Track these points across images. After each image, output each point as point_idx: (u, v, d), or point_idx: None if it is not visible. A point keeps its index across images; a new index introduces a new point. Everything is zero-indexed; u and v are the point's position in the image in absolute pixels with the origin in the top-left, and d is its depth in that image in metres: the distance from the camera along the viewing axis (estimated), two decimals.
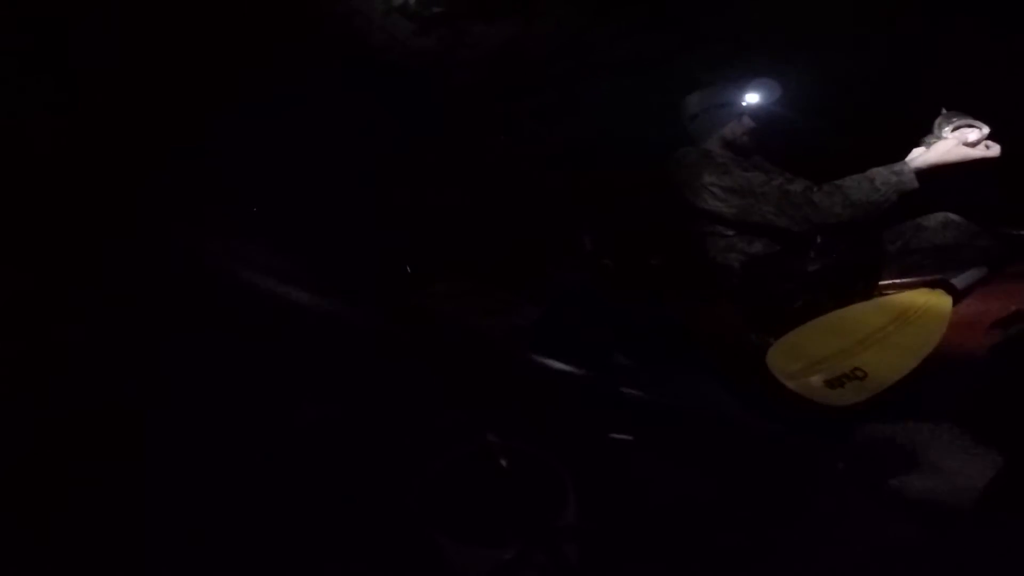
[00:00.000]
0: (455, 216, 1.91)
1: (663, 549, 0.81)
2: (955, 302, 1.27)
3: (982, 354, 1.20)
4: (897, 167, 1.34)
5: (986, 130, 1.27)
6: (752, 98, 1.52)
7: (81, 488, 1.02)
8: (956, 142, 1.27)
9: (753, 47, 1.56)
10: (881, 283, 1.44)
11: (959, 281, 1.29)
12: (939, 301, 1.27)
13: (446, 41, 1.22)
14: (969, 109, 1.31)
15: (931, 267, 1.40)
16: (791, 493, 1.03)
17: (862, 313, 1.31)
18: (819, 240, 1.40)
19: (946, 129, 1.30)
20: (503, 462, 0.92)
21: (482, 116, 1.67)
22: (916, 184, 1.30)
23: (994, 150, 1.28)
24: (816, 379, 1.17)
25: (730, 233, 1.52)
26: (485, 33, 1.17)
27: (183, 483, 0.97)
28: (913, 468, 0.99)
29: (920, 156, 1.32)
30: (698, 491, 0.86)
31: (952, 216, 1.44)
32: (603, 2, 1.29)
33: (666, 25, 1.36)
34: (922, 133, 1.36)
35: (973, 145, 1.27)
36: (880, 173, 1.34)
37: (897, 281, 1.44)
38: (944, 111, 1.33)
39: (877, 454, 1.04)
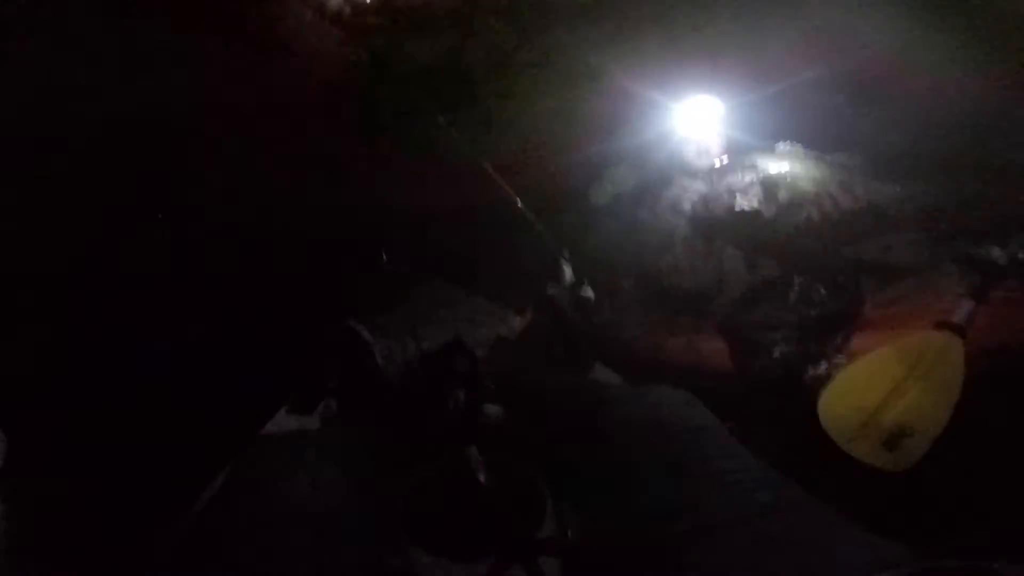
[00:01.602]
0: (433, 222, 1.91)
1: (642, 561, 0.82)
2: (963, 339, 1.29)
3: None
4: None
5: None
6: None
7: None
8: None
9: (688, 57, 1.55)
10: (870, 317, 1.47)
11: (960, 319, 1.31)
12: (950, 343, 1.28)
13: (378, 53, 1.19)
14: None
15: (914, 297, 1.44)
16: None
17: (885, 362, 1.32)
18: (797, 288, 1.42)
19: None
20: (480, 475, 0.92)
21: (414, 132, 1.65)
22: None
23: None
24: (873, 443, 1.21)
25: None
26: (419, 47, 1.14)
27: None
28: None
29: None
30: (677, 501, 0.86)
31: (924, 234, 1.49)
32: (539, 20, 1.27)
33: (601, 41, 1.36)
34: None
35: None
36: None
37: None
38: None
39: None
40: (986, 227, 1.43)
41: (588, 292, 1.51)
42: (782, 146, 1.42)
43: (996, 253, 1.38)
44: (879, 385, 1.28)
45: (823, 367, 1.46)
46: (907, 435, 1.20)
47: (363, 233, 1.83)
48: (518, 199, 1.60)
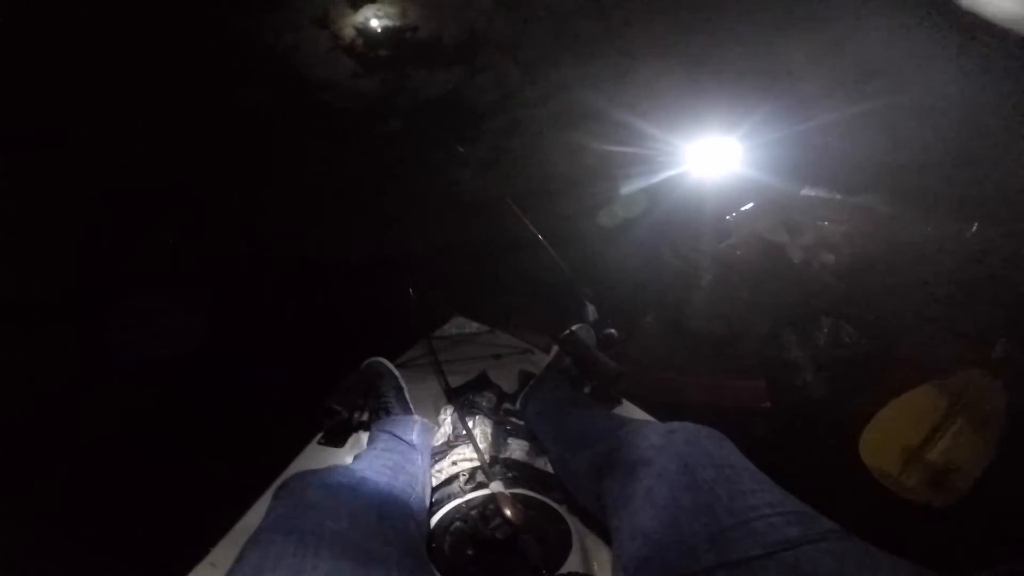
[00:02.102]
0: (457, 256, 1.96)
1: None
2: (1002, 376, 1.27)
3: None
4: None
5: None
6: None
7: None
8: None
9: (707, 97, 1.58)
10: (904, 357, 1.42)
11: (997, 357, 1.28)
12: (990, 381, 1.27)
13: (388, 85, 1.22)
14: None
15: (946, 338, 1.39)
16: None
17: (926, 400, 1.30)
18: (826, 328, 1.40)
19: None
20: (507, 510, 0.92)
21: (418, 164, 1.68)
22: None
23: None
24: (920, 479, 1.20)
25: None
26: (427, 81, 1.18)
27: None
28: None
29: None
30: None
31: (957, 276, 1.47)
32: (545, 56, 1.30)
33: (595, 83, 1.39)
34: None
35: None
36: None
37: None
38: None
39: None
40: (1013, 266, 1.41)
41: (611, 330, 1.52)
42: (806, 188, 1.42)
43: None
44: (922, 422, 1.25)
45: (856, 405, 1.42)
46: (952, 471, 1.17)
47: (389, 270, 1.89)
48: (540, 235, 1.64)
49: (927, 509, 1.14)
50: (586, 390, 1.36)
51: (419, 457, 1.05)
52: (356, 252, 1.87)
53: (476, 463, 1.01)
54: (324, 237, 1.82)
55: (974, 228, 1.31)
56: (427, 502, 0.96)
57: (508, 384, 1.42)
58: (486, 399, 1.23)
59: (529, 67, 1.32)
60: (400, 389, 1.22)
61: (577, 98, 1.51)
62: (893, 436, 1.25)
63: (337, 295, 1.81)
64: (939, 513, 1.13)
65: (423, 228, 1.94)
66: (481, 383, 1.36)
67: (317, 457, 1.17)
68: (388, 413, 1.16)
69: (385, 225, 1.93)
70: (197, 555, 0.91)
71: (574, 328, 1.41)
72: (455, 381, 1.42)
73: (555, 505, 0.96)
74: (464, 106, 1.41)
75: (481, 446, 1.04)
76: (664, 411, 1.42)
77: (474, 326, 2.02)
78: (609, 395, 1.34)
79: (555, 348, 1.39)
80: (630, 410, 1.36)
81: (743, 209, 1.44)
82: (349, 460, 1.16)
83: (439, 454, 1.08)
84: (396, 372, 1.24)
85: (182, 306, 1.61)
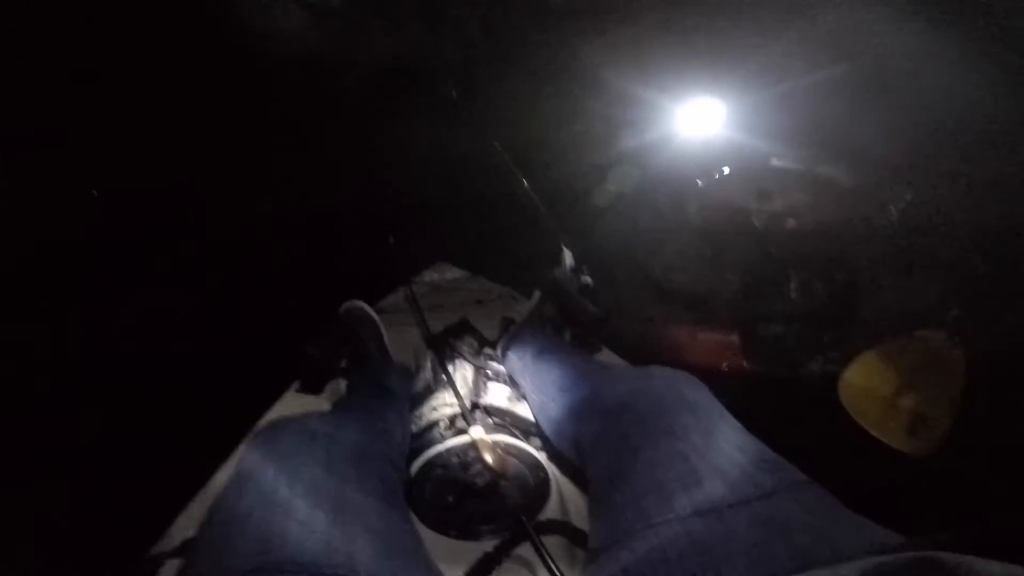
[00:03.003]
0: (438, 206, 1.91)
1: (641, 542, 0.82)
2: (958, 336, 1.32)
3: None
4: None
5: None
6: None
7: None
8: None
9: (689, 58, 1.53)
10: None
11: (952, 319, 1.34)
12: (950, 345, 1.32)
13: (342, 38, 1.12)
14: None
15: (907, 301, 1.44)
16: None
17: (892, 356, 1.36)
18: (796, 284, 1.44)
19: None
20: (486, 457, 0.92)
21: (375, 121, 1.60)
22: None
23: None
24: (899, 427, 1.24)
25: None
26: (385, 35, 1.08)
27: None
28: None
29: None
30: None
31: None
32: (514, 15, 1.22)
33: (563, 41, 1.31)
34: None
35: None
36: None
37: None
38: None
39: None
40: (968, 235, 1.45)
41: (587, 279, 1.51)
42: (780, 154, 1.40)
43: (975, 261, 1.40)
44: (893, 375, 1.30)
45: (822, 360, 1.47)
46: (925, 421, 1.22)
47: (370, 216, 1.83)
48: (524, 180, 1.58)
49: (903, 457, 1.18)
50: (567, 336, 1.36)
51: (398, 403, 1.04)
52: (332, 203, 1.80)
53: (456, 409, 1.00)
54: (293, 191, 1.75)
55: (906, 198, 1.36)
56: (406, 449, 0.96)
57: (490, 330, 1.41)
58: (467, 344, 1.21)
59: (502, 24, 1.23)
60: (379, 335, 1.20)
61: (556, 57, 1.43)
62: (870, 384, 1.29)
63: (314, 245, 1.74)
64: (913, 463, 1.17)
65: (399, 180, 1.87)
66: (462, 329, 1.34)
67: (294, 405, 1.15)
68: (367, 359, 1.14)
69: (359, 178, 1.85)
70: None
71: (555, 273, 1.39)
72: (435, 327, 1.40)
73: (535, 452, 0.97)
74: (428, 63, 1.33)
75: (462, 392, 1.03)
76: (640, 361, 1.44)
77: (456, 272, 1.98)
78: (589, 341, 1.34)
79: (537, 294, 1.37)
80: (609, 357, 1.37)
81: (718, 174, 1.41)
82: (327, 408, 1.15)
83: (419, 401, 1.07)
84: (375, 317, 1.21)
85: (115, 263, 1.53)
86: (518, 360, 1.16)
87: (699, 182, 1.41)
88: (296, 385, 1.19)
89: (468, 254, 2.06)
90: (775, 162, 1.37)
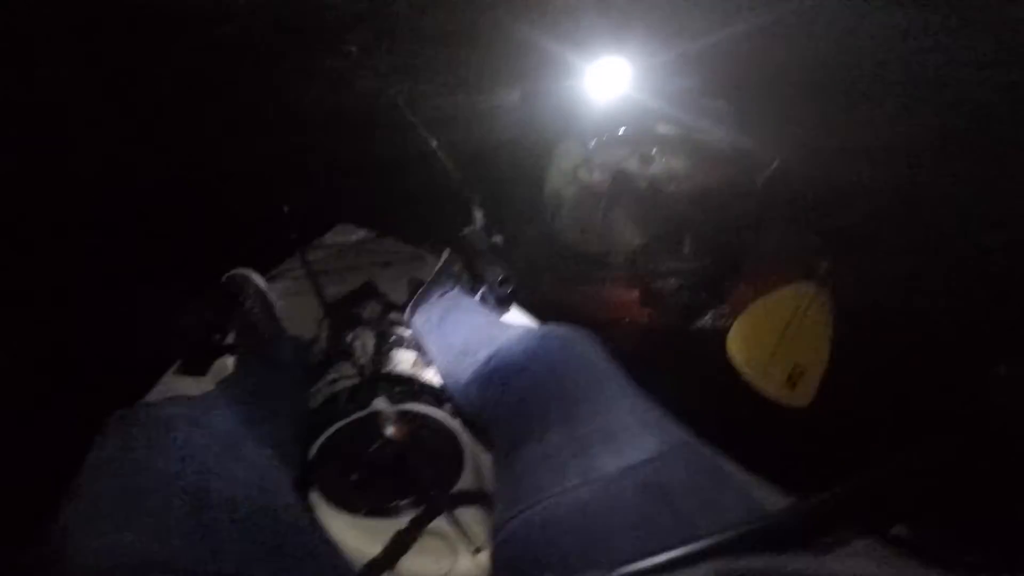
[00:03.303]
0: (340, 164, 1.78)
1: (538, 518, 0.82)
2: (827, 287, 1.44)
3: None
4: None
5: None
6: None
7: None
8: None
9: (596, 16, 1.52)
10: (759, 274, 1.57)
11: (823, 271, 1.46)
12: (818, 292, 1.43)
13: None
14: None
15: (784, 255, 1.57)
16: None
17: (772, 308, 1.44)
18: (688, 243, 1.52)
19: None
20: (393, 428, 0.88)
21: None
22: None
23: None
24: (780, 379, 1.31)
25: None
26: None
27: None
28: None
29: None
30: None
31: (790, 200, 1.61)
32: None
33: None
34: None
35: None
36: None
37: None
38: None
39: None
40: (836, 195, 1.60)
41: (498, 239, 1.48)
42: (667, 118, 1.42)
43: (840, 220, 1.54)
44: (771, 330, 1.39)
45: (713, 315, 1.56)
46: (801, 373, 1.31)
47: (264, 179, 1.66)
48: (433, 140, 1.51)
49: (784, 409, 1.27)
50: (477, 296, 1.32)
51: (291, 378, 0.96)
52: (220, 166, 1.61)
53: (357, 380, 0.94)
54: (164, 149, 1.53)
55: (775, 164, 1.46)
56: (303, 426, 0.89)
57: (398, 293, 1.34)
58: (368, 310, 1.14)
59: None
60: (268, 304, 1.08)
61: (462, 8, 1.35)
62: (752, 338, 1.38)
63: (197, 212, 1.55)
64: (794, 413, 1.27)
65: (297, 140, 1.71)
66: (365, 293, 1.25)
67: (175, 388, 1.03)
68: (255, 332, 1.04)
69: (251, 138, 1.67)
70: None
71: (465, 231, 1.34)
72: (338, 292, 1.31)
73: (446, 419, 0.93)
74: (325, 11, 1.19)
75: (362, 361, 0.96)
76: (547, 318, 1.45)
77: (361, 233, 1.87)
78: (498, 300, 1.31)
79: (446, 252, 1.31)
80: (518, 315, 1.35)
81: (614, 134, 1.42)
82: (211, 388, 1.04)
83: (317, 374, 1.00)
84: (263, 285, 1.10)
85: None
86: (424, 323, 1.11)
87: (591, 144, 1.40)
88: (175, 367, 1.07)
89: (376, 215, 1.95)
90: (661, 128, 1.40)
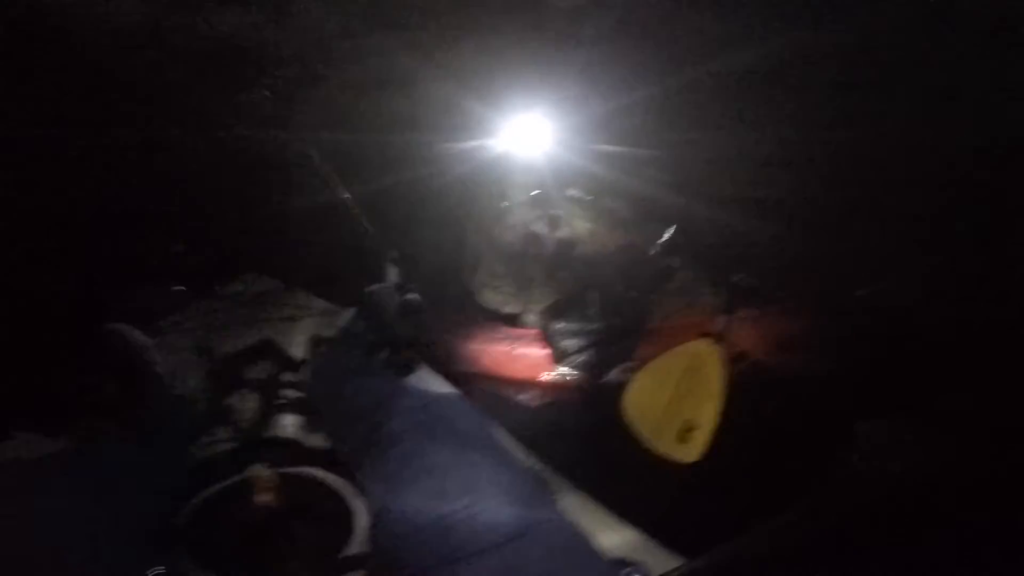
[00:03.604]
0: (248, 209, 1.74)
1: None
2: (721, 346, 1.51)
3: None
4: None
5: None
6: None
7: None
8: None
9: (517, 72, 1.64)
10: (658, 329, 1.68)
11: (718, 329, 1.54)
12: (711, 350, 1.51)
13: (159, 14, 0.96)
14: None
15: (685, 313, 1.69)
16: None
17: (667, 366, 1.51)
18: (594, 301, 1.62)
19: None
20: (271, 493, 0.84)
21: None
22: None
23: None
24: (670, 437, 1.36)
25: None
26: (218, 16, 0.95)
27: None
28: None
29: None
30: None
31: (689, 259, 1.75)
32: (365, 16, 1.18)
33: (419, 45, 1.34)
34: None
35: None
36: None
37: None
38: None
39: None
40: (732, 257, 1.77)
41: (414, 295, 1.49)
42: (574, 183, 1.55)
43: (738, 279, 1.71)
44: (665, 387, 1.47)
45: (620, 370, 1.63)
46: (692, 429, 1.40)
47: (163, 220, 1.59)
48: (344, 189, 1.53)
49: (678, 465, 1.34)
50: (382, 356, 1.32)
51: (167, 440, 0.91)
52: (93, 205, 1.51)
53: (236, 443, 0.90)
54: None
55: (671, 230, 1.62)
56: (176, 491, 0.84)
57: (301, 351, 1.31)
58: (258, 369, 1.11)
59: (349, 19, 1.14)
60: (148, 361, 1.03)
61: (396, 63, 1.39)
62: (647, 398, 1.46)
63: (79, 251, 1.45)
64: (687, 468, 1.33)
65: (195, 178, 1.65)
66: (260, 350, 1.22)
67: (28, 450, 0.94)
68: (131, 390, 0.98)
69: (149, 175, 1.59)
70: None
71: (373, 289, 1.34)
72: (232, 348, 1.26)
73: (334, 483, 0.91)
74: (253, 49, 1.17)
75: (243, 424, 0.93)
76: (460, 378, 1.46)
77: (267, 283, 1.82)
78: (404, 362, 1.31)
79: (350, 311, 1.31)
80: (425, 377, 1.35)
81: (527, 195, 1.52)
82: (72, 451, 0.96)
83: (194, 435, 0.95)
84: (143, 340, 1.04)
85: None
86: (322, 383, 1.09)
87: (504, 205, 1.49)
88: (31, 424, 0.97)
89: (284, 266, 1.91)
90: (570, 192, 1.51)
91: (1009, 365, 1.45)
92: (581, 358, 1.61)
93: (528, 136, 1.59)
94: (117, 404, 0.99)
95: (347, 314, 1.34)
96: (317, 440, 0.99)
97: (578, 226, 1.51)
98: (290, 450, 0.94)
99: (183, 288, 1.32)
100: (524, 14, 1.24)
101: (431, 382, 1.34)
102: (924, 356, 1.60)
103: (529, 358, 1.68)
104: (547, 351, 1.65)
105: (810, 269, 1.91)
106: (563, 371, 1.61)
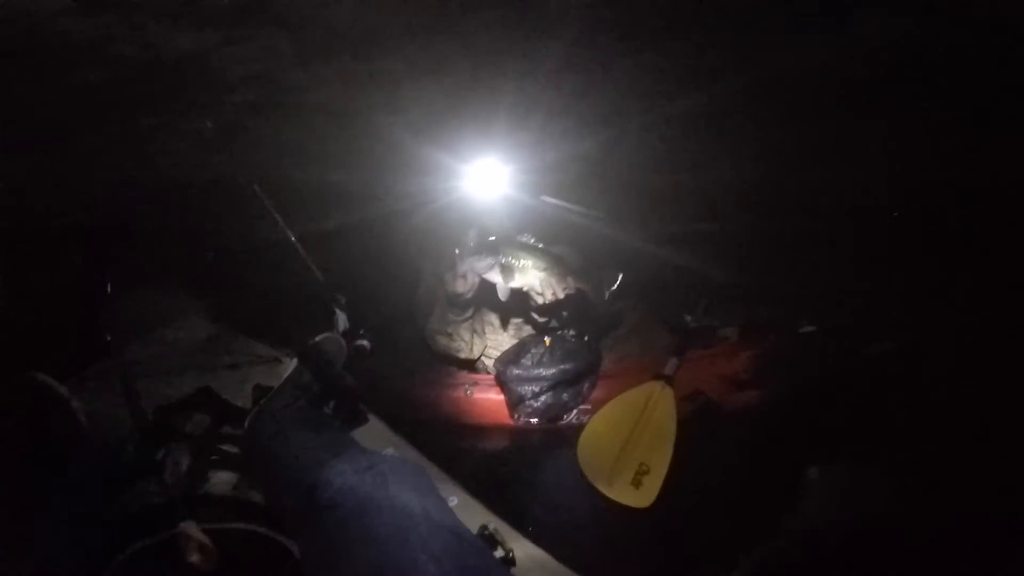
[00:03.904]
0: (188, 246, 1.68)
1: None
2: (672, 387, 1.56)
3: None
4: None
5: None
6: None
7: None
8: None
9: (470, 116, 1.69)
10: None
11: (669, 371, 1.60)
12: (663, 391, 1.54)
13: (110, 31, 0.94)
14: None
15: (637, 355, 1.80)
16: None
17: (619, 411, 1.52)
18: (550, 346, 1.65)
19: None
20: (195, 554, 0.78)
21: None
22: None
23: None
24: (624, 483, 1.36)
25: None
26: (168, 37, 0.95)
27: None
28: None
29: None
30: None
31: (640, 302, 1.86)
32: (328, 44, 1.19)
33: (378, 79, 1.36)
34: None
35: None
36: None
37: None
38: None
39: None
40: (682, 298, 1.86)
41: (364, 342, 1.47)
42: (525, 230, 1.58)
43: (688, 319, 1.78)
44: (619, 431, 1.47)
45: (577, 413, 1.67)
46: (646, 472, 1.40)
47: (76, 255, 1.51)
48: (291, 234, 1.50)
49: (631, 510, 1.33)
50: (328, 408, 1.28)
51: (91, 493, 0.85)
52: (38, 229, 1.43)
53: (167, 499, 0.85)
54: None
55: (619, 278, 1.64)
56: (102, 545, 0.79)
57: (244, 400, 1.26)
58: (193, 422, 1.05)
59: (305, 49, 1.14)
60: (71, 413, 0.96)
61: (354, 96, 1.39)
62: (601, 443, 1.46)
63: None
64: (640, 513, 1.33)
65: (130, 206, 1.58)
66: (198, 400, 1.16)
67: None
68: (47, 443, 0.90)
69: (81, 196, 1.52)
70: None
71: (319, 339, 1.31)
72: (168, 397, 1.20)
73: (276, 538, 0.87)
74: (204, 73, 1.13)
75: (172, 480, 0.88)
76: (411, 427, 1.43)
77: (209, 329, 1.75)
78: (352, 414, 1.27)
79: (294, 360, 1.27)
80: (374, 429, 1.31)
81: (482, 243, 1.55)
82: None
83: (123, 489, 0.89)
84: (62, 391, 0.98)
85: None
86: (262, 438, 1.04)
87: (456, 250, 1.50)
88: None
89: (229, 309, 1.86)
90: (523, 239, 1.54)
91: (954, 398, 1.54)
92: (536, 403, 1.62)
93: (483, 180, 1.63)
94: (29, 456, 0.92)
95: (293, 362, 1.30)
96: (254, 497, 0.94)
97: (531, 275, 1.50)
98: (224, 508, 0.89)
99: (111, 333, 1.24)
100: (488, 56, 1.28)
101: (376, 438, 1.31)
102: (871, 388, 1.65)
103: (485, 404, 1.69)
104: (503, 397, 1.65)
105: (757, 303, 2.02)
106: (519, 416, 1.61)
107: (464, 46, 1.22)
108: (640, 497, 1.36)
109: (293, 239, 1.49)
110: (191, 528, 0.78)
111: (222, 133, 1.34)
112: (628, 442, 1.44)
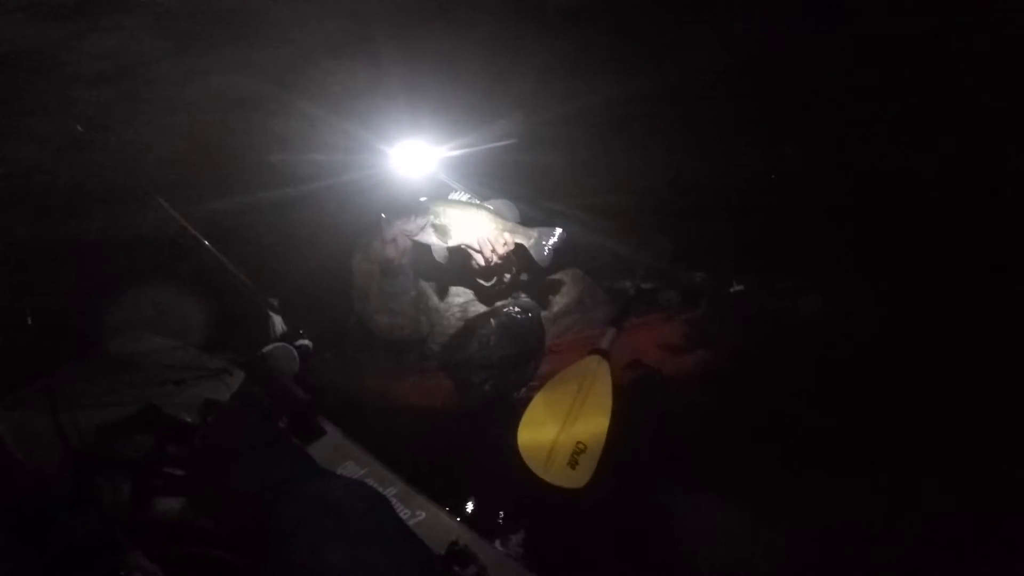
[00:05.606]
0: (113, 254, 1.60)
1: None
2: (609, 360, 1.58)
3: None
4: None
5: None
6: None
7: None
8: None
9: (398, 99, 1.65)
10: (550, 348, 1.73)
11: (606, 344, 1.62)
12: (599, 366, 1.56)
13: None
14: None
15: (579, 327, 1.79)
16: None
17: (557, 391, 1.52)
18: (495, 327, 1.62)
19: None
20: None
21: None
22: None
23: None
24: (561, 465, 1.36)
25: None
26: (13, 28, 0.91)
27: None
28: None
29: None
30: None
31: (578, 272, 1.86)
32: (203, 32, 1.15)
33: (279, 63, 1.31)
34: None
35: None
36: None
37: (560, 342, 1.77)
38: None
39: None
40: (621, 264, 1.93)
41: (305, 341, 1.43)
42: (455, 194, 1.49)
43: (627, 285, 1.81)
44: (556, 412, 1.48)
45: (523, 391, 1.67)
46: (582, 451, 1.40)
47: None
48: (205, 241, 1.42)
49: (569, 491, 1.33)
50: (282, 423, 1.25)
51: (20, 525, 0.82)
52: None
53: (108, 528, 0.82)
54: None
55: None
56: None
57: (192, 417, 1.22)
58: (134, 445, 1.01)
59: (183, 38, 1.05)
60: None
61: (245, 83, 1.32)
62: (537, 430, 1.45)
63: None
64: (577, 493, 1.33)
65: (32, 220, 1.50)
66: (141, 420, 1.12)
67: None
68: None
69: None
70: None
71: (266, 350, 1.28)
72: (108, 418, 1.15)
73: (228, 559, 0.85)
74: (54, 68, 1.04)
75: (111, 508, 0.85)
76: (367, 422, 1.40)
77: (156, 341, 1.68)
78: (307, 428, 1.25)
79: (242, 374, 1.24)
80: (331, 441, 1.29)
81: (414, 203, 1.44)
82: None
83: (55, 519, 0.85)
84: None
85: None
86: (210, 458, 1.01)
87: (383, 215, 1.42)
88: None
89: (174, 320, 1.79)
90: (454, 197, 1.47)
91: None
92: (486, 387, 1.61)
93: (411, 161, 1.59)
94: None
95: (242, 375, 1.26)
96: (203, 522, 0.92)
97: (466, 232, 1.40)
98: (171, 533, 0.87)
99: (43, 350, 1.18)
100: (398, 30, 1.25)
101: (335, 451, 1.28)
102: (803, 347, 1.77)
103: (433, 390, 1.68)
104: (451, 380, 1.65)
105: (691, 267, 2.08)
106: (468, 402, 1.61)
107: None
108: (575, 478, 1.35)
109: (205, 242, 1.42)
110: (137, 557, 0.76)
111: (92, 129, 1.27)
112: (566, 423, 1.44)
